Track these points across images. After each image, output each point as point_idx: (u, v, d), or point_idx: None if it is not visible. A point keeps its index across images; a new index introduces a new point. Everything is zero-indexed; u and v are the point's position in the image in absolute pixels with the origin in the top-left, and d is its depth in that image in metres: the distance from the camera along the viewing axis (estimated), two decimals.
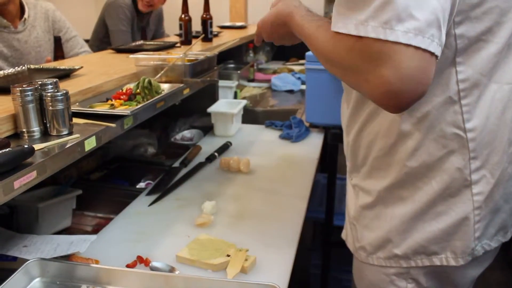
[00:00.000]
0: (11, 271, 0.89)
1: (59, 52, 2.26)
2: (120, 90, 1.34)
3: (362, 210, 1.01)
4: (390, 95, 0.71)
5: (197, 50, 2.06)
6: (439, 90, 0.85)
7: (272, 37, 1.12)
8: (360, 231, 1.02)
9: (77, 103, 1.20)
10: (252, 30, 3.49)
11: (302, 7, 0.99)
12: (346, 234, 1.12)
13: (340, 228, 2.11)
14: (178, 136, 2.04)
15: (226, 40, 2.55)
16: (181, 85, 1.51)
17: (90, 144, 1.05)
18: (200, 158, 1.70)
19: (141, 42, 2.41)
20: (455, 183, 0.89)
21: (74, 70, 1.47)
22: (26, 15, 2.40)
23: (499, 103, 0.87)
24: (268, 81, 2.98)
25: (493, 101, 0.86)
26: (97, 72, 1.52)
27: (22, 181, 0.85)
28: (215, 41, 2.58)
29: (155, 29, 3.45)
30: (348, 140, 1.03)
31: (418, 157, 0.89)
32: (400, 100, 0.72)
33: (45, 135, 1.03)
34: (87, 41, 2.88)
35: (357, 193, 1.03)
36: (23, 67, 1.50)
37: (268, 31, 1.11)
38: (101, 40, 3.18)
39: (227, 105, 2.03)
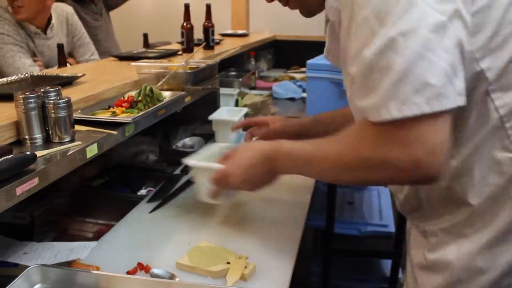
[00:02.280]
0: (12, 278, 0.90)
1: (62, 58, 2.28)
2: (122, 98, 1.35)
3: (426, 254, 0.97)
4: (425, 172, 0.73)
5: (199, 58, 2.08)
6: (479, 122, 0.84)
7: (245, 184, 1.05)
8: (426, 276, 0.96)
9: (79, 110, 1.21)
10: (254, 38, 3.51)
11: (281, 141, 0.98)
12: (408, 283, 1.06)
13: (341, 236, 2.12)
14: (180, 144, 2.05)
15: (228, 48, 2.57)
16: (183, 92, 1.52)
17: (92, 151, 1.06)
18: None
19: (143, 49, 2.42)
20: None
21: (76, 77, 1.48)
22: (53, 21, 2.48)
23: None
24: (269, 88, 2.98)
25: None
26: (99, 80, 1.54)
27: (24, 187, 0.86)
28: (217, 49, 2.60)
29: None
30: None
31: (478, 192, 0.87)
32: (434, 171, 0.74)
33: (47, 142, 1.05)
34: None
35: (424, 234, 0.99)
36: (26, 75, 1.51)
37: (241, 178, 1.03)
38: None
39: (228, 112, 2.04)
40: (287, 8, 1.08)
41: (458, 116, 0.80)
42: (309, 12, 1.07)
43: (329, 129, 1.34)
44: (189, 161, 1.20)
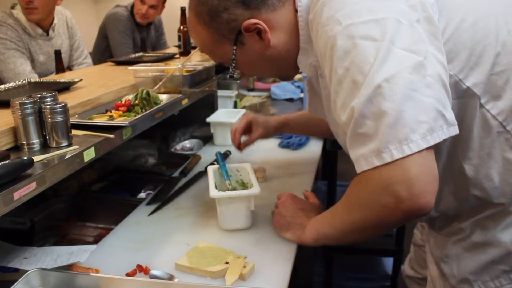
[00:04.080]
0: (13, 283, 0.90)
1: (59, 65, 2.30)
2: (119, 102, 1.36)
3: (452, 245, 1.04)
4: (419, 207, 0.77)
5: (196, 60, 2.08)
6: (483, 132, 0.90)
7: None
8: (456, 265, 1.03)
9: (76, 115, 1.22)
10: None
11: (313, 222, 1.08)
12: (432, 277, 1.13)
13: None
14: (178, 146, 2.06)
15: None
16: (180, 95, 1.53)
17: (89, 155, 1.06)
18: (200, 167, 1.72)
19: (140, 54, 2.43)
20: None
21: (73, 82, 1.49)
22: (55, 21, 2.52)
23: None
24: (268, 90, 2.99)
25: None
26: (96, 85, 1.55)
27: (22, 192, 0.86)
28: None
29: (155, 40, 3.49)
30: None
31: (502, 193, 0.94)
32: (428, 204, 0.77)
33: (45, 147, 1.05)
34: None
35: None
36: (24, 81, 1.53)
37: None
38: (102, 52, 3.22)
39: (226, 114, 2.05)
40: None
41: (462, 134, 0.86)
42: (285, 77, 1.14)
43: (305, 127, 1.56)
44: (216, 193, 1.21)
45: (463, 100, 0.88)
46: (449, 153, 0.94)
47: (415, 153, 0.75)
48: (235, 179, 1.38)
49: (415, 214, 0.78)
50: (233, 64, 1.05)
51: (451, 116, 0.78)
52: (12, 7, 2.46)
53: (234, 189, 1.32)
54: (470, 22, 0.89)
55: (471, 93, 0.88)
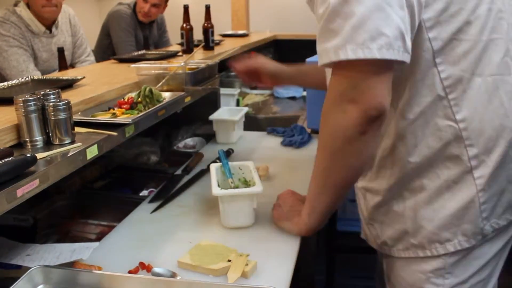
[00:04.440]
0: (15, 280, 0.90)
1: (62, 62, 2.30)
2: (122, 99, 1.36)
3: (375, 210, 1.10)
4: (373, 113, 0.86)
5: (199, 58, 2.08)
6: (426, 90, 0.95)
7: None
8: (379, 228, 1.11)
9: (79, 113, 1.22)
10: (254, 38, 3.51)
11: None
12: (366, 234, 1.21)
13: (344, 233, 2.12)
14: (181, 144, 2.06)
15: (228, 48, 2.58)
16: (182, 93, 1.53)
17: (92, 152, 1.06)
18: (202, 165, 1.72)
19: (143, 51, 2.43)
20: (456, 170, 0.97)
21: (76, 80, 1.49)
22: (58, 19, 2.53)
23: (485, 94, 0.95)
24: (270, 88, 2.99)
25: (478, 92, 0.95)
26: (99, 82, 1.54)
27: (25, 189, 0.86)
28: (217, 50, 2.60)
29: (158, 38, 3.49)
30: None
31: (419, 152, 0.98)
32: (381, 110, 0.86)
33: (48, 144, 1.05)
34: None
35: (364, 195, 1.13)
36: (27, 78, 1.53)
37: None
38: (104, 50, 3.22)
39: (228, 112, 2.05)
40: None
41: (407, 81, 0.94)
42: None
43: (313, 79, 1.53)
44: (218, 191, 1.21)
45: (418, 48, 0.91)
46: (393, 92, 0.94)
47: (369, 59, 0.81)
48: (237, 177, 1.38)
49: (370, 115, 0.85)
50: None
51: (409, 43, 0.84)
52: (15, 4, 2.46)
53: (237, 187, 1.32)
54: None
55: (428, 45, 0.92)
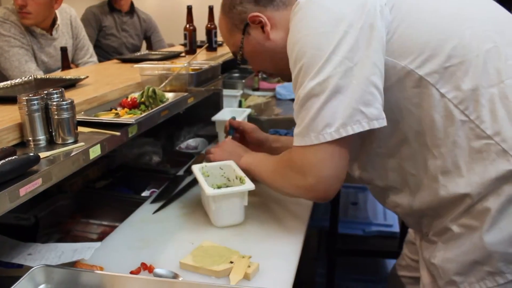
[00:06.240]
0: (17, 279, 0.90)
1: (65, 62, 2.30)
2: (125, 99, 1.35)
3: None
4: (316, 194, 1.06)
5: (202, 59, 2.08)
6: (447, 121, 0.95)
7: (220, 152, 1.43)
8: (440, 269, 1.03)
9: (82, 112, 1.22)
10: None
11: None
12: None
13: (345, 236, 2.12)
14: (183, 145, 2.06)
15: None
16: (185, 94, 1.53)
17: (95, 152, 1.06)
18: None
19: (146, 52, 2.43)
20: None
21: (79, 79, 1.49)
22: (58, 22, 2.49)
23: (505, 100, 0.93)
24: (273, 89, 2.98)
25: (498, 102, 0.93)
26: (102, 82, 1.54)
27: (28, 188, 0.86)
28: (220, 51, 2.60)
29: (144, 34, 3.63)
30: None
31: (469, 181, 0.95)
32: (325, 195, 1.04)
33: (51, 143, 1.05)
34: None
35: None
36: (30, 77, 1.52)
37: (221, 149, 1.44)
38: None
39: (231, 113, 2.04)
40: None
41: (426, 124, 0.97)
42: (285, 77, 1.21)
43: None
44: (211, 191, 1.21)
45: (420, 89, 0.96)
46: (419, 143, 1.00)
47: (328, 142, 0.95)
48: (218, 177, 1.38)
49: (317, 196, 1.05)
50: (240, 52, 1.24)
51: (374, 111, 0.94)
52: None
53: (219, 187, 1.33)
54: (424, 19, 0.99)
55: (425, 82, 0.95)
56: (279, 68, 1.21)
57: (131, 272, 1.04)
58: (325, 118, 0.95)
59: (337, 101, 0.94)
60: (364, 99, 0.94)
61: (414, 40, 0.97)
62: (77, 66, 2.66)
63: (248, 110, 2.11)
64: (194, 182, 1.57)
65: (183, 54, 2.39)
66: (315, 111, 0.95)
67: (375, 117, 0.94)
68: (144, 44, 3.70)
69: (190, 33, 2.43)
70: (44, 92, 1.05)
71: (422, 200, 1.04)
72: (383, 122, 0.95)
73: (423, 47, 0.96)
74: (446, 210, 1.00)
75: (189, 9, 2.51)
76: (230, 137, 1.53)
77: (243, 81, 2.79)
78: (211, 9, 2.64)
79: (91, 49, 2.79)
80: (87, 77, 1.52)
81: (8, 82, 1.43)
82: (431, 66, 0.95)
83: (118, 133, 1.13)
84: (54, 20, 2.49)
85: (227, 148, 1.42)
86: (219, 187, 1.33)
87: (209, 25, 2.60)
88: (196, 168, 1.35)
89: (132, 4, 3.54)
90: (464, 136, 0.94)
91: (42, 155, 0.95)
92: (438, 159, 0.97)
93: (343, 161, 0.99)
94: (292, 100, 2.83)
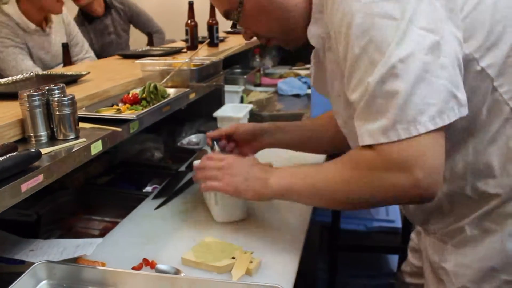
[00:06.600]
0: (19, 275, 0.90)
1: (66, 58, 2.29)
2: (127, 95, 1.35)
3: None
4: (423, 192, 0.81)
5: (203, 55, 2.08)
6: (492, 117, 0.88)
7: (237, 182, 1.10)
8: (452, 274, 0.98)
9: (83, 108, 1.22)
10: None
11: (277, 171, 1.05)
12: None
13: (347, 231, 2.12)
14: (185, 141, 2.05)
15: (232, 45, 2.57)
16: (187, 89, 1.52)
17: (97, 148, 1.06)
18: None
19: (147, 48, 2.43)
20: None
21: (81, 75, 1.49)
22: (51, 18, 2.47)
23: None
24: (275, 85, 2.98)
25: None
26: (104, 78, 1.54)
27: (29, 184, 0.86)
28: (221, 46, 2.59)
29: (127, 20, 3.46)
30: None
31: (502, 183, 0.90)
32: (432, 190, 0.81)
33: (52, 139, 1.05)
34: None
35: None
36: (31, 74, 1.52)
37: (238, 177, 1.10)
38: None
39: (233, 109, 2.04)
40: None
41: (468, 116, 0.82)
42: (293, 45, 1.07)
43: (292, 137, 1.44)
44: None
45: (475, 80, 0.85)
46: (462, 136, 0.91)
47: (422, 134, 0.77)
48: None
49: (422, 193, 0.81)
50: (239, 9, 0.99)
51: (463, 96, 0.79)
52: (6, 2, 2.39)
53: None
54: (491, 0, 0.85)
55: (485, 74, 0.85)
56: (285, 30, 1.01)
57: (133, 268, 1.04)
58: (415, 105, 0.77)
59: (426, 83, 0.77)
60: (455, 81, 0.78)
61: (478, 23, 0.84)
62: (73, 63, 2.65)
63: (250, 106, 2.11)
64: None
65: (184, 50, 2.38)
66: (404, 96, 0.76)
67: (464, 102, 0.79)
68: (145, 41, 3.67)
69: (192, 29, 2.43)
70: (45, 88, 1.05)
71: (440, 196, 0.94)
72: (467, 110, 0.80)
73: (488, 33, 0.84)
74: (466, 210, 0.94)
75: (191, 4, 2.50)
76: (217, 150, 1.34)
77: (245, 76, 2.79)
78: (212, 4, 2.63)
79: (86, 45, 2.77)
80: (89, 73, 1.51)
81: (10, 78, 1.43)
82: (493, 57, 0.85)
83: (119, 129, 1.13)
84: (46, 16, 2.47)
85: (236, 171, 1.11)
86: None
87: (210, 21, 2.59)
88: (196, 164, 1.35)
89: (105, 3, 3.28)
90: (504, 134, 0.87)
91: (44, 151, 0.95)
92: (471, 155, 0.90)
93: (443, 148, 0.81)
94: (294, 96, 2.84)
